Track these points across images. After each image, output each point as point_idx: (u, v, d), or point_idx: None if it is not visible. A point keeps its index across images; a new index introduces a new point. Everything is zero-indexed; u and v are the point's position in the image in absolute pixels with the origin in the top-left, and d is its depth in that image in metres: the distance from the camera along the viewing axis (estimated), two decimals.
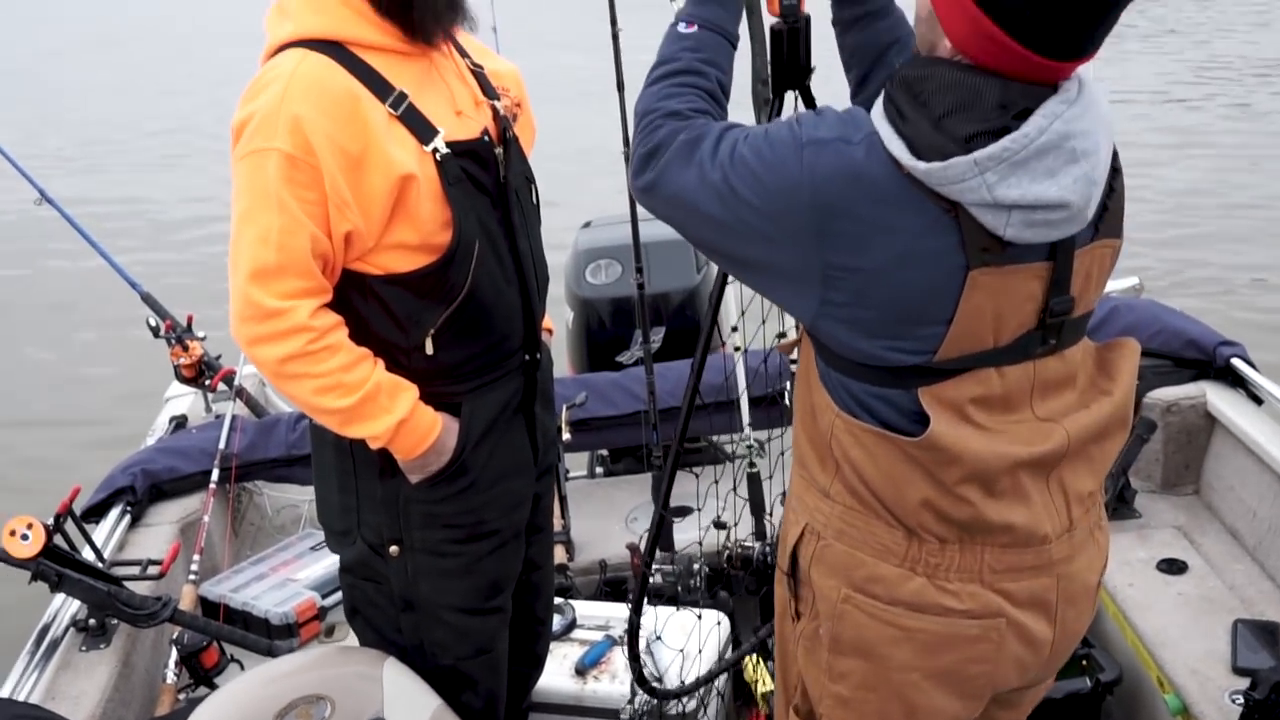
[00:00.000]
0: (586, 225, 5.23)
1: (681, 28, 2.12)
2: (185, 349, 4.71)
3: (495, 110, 2.52)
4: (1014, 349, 1.88)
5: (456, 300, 2.38)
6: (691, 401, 2.58)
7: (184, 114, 15.32)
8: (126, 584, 3.41)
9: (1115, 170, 1.91)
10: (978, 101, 1.74)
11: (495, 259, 2.44)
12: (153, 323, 4.77)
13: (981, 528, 1.95)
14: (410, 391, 2.38)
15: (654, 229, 3.51)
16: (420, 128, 2.31)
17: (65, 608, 3.48)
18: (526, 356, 2.59)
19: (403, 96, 2.29)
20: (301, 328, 2.22)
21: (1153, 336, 4.32)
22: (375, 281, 2.34)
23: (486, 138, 2.45)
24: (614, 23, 3.58)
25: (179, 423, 4.85)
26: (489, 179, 2.44)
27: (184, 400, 5.04)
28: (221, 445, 4.29)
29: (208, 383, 4.79)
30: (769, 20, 2.35)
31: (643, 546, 3.48)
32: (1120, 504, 4.05)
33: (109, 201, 11.57)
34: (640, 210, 2.95)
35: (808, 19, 2.33)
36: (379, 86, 2.27)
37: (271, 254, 2.20)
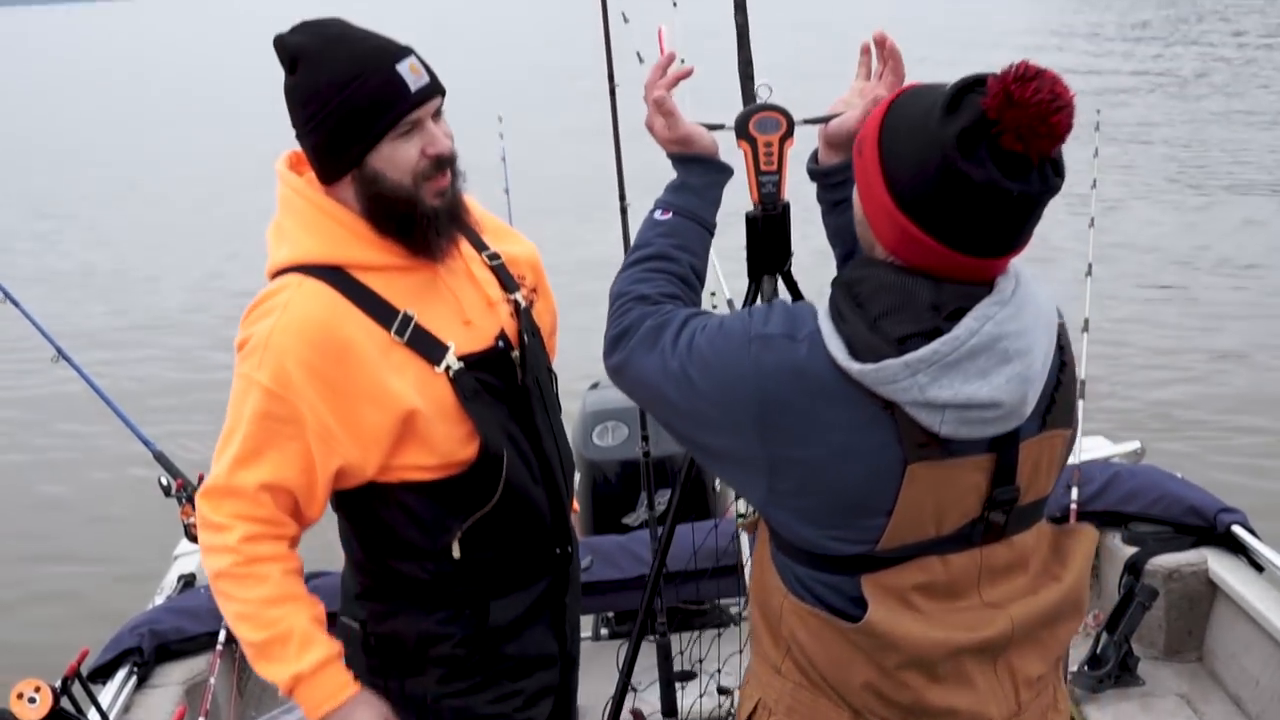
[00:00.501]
0: (594, 386, 5.27)
1: (658, 214, 2.23)
2: (195, 508, 4.73)
3: (516, 305, 2.50)
4: (957, 537, 1.91)
5: (484, 509, 2.38)
6: (659, 570, 2.74)
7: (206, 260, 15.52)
8: None
9: (1063, 363, 1.94)
10: (911, 303, 1.80)
11: (522, 463, 2.43)
12: (164, 481, 4.80)
13: (925, 711, 1.97)
14: (322, 649, 2.29)
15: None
16: (429, 348, 2.31)
17: None
18: (558, 550, 2.57)
19: (408, 320, 2.29)
20: (229, 549, 2.26)
21: (1154, 503, 4.36)
22: (397, 489, 2.35)
23: (501, 343, 2.43)
24: (622, 198, 3.66)
25: (187, 581, 4.87)
26: (507, 385, 2.44)
27: (192, 559, 5.05)
28: None
29: None
30: (749, 207, 2.38)
31: (646, 710, 3.50)
32: (1123, 671, 4.04)
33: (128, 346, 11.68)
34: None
35: (787, 206, 2.36)
36: (381, 312, 2.28)
37: (224, 474, 2.26)
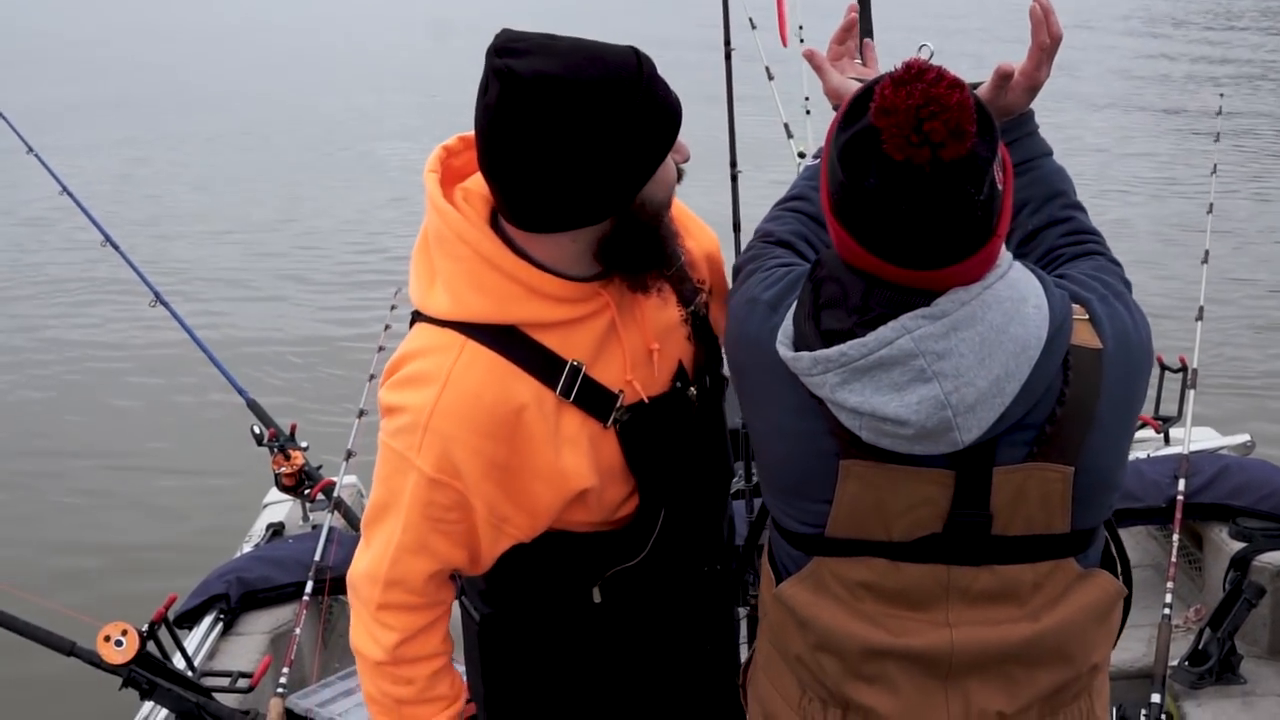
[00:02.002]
0: None
1: (808, 161, 2.27)
2: (287, 458, 4.77)
3: (693, 319, 2.20)
4: (914, 549, 1.83)
5: (631, 562, 2.19)
6: (752, 542, 2.56)
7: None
8: (216, 696, 3.41)
9: (1061, 395, 1.76)
10: (843, 300, 1.72)
11: (679, 512, 2.21)
12: (257, 430, 4.84)
13: (845, 703, 1.94)
14: None
15: None
16: (598, 402, 2.03)
17: (154, 715, 3.50)
18: (705, 568, 2.37)
19: (575, 372, 2.00)
20: (384, 649, 2.12)
21: (1264, 498, 4.24)
22: (542, 539, 2.13)
23: (679, 382, 2.16)
24: (733, 164, 3.60)
25: (275, 530, 4.91)
26: (680, 426, 2.18)
27: (281, 508, 5.09)
28: (317, 557, 4.29)
29: (307, 492, 4.83)
30: None
31: None
32: (1225, 669, 3.93)
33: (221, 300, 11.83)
34: None
35: None
36: (549, 370, 1.99)
37: (387, 565, 2.06)
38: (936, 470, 1.76)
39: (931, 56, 2.29)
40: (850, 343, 1.67)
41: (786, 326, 1.80)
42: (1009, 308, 1.68)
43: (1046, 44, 2.02)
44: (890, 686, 1.90)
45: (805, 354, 1.72)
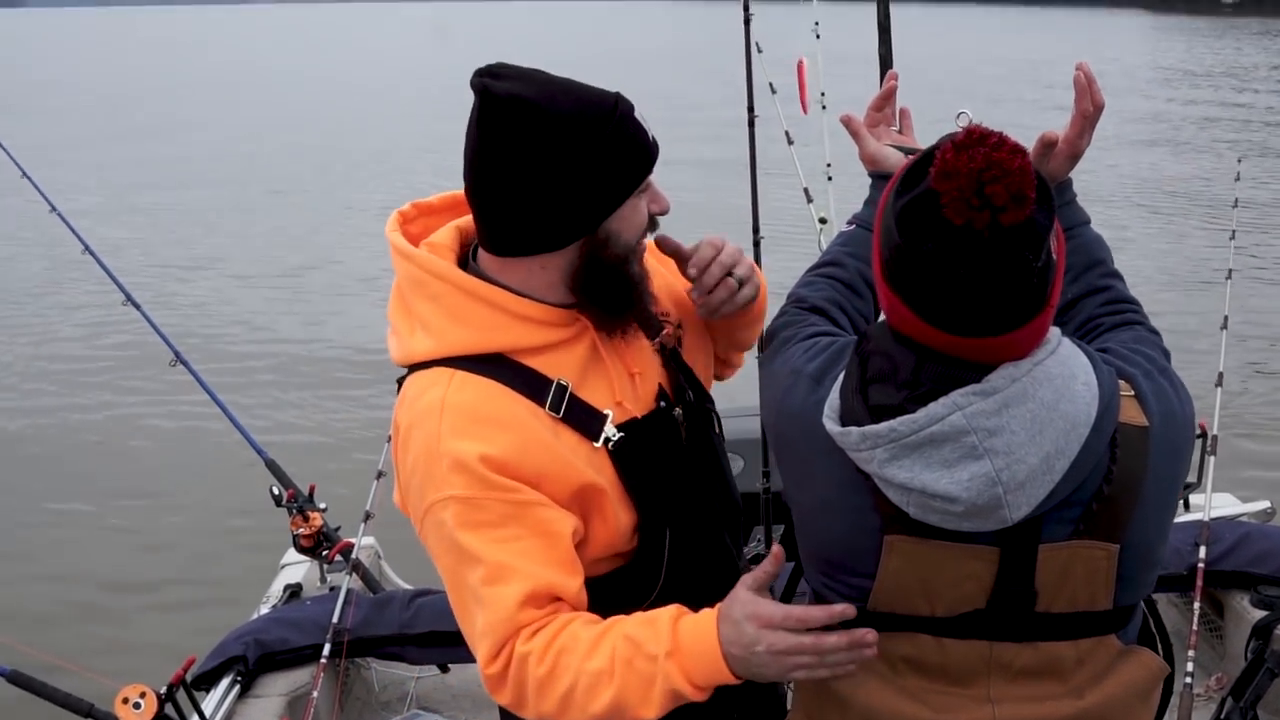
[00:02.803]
0: None
1: (844, 227, 2.28)
2: (305, 519, 4.76)
3: (662, 351, 2.25)
4: (957, 625, 1.83)
5: (646, 601, 2.10)
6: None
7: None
8: None
9: (1110, 471, 1.75)
10: (893, 375, 1.73)
11: (687, 541, 2.19)
12: (276, 491, 4.84)
13: None
14: (661, 627, 1.92)
15: None
16: (586, 420, 2.06)
17: None
18: None
19: (562, 390, 2.03)
20: (515, 684, 1.96)
21: None
22: None
23: (663, 402, 2.19)
24: (756, 230, 3.61)
25: (293, 591, 4.89)
26: (671, 446, 2.19)
27: (299, 569, 5.08)
28: (335, 619, 4.28)
29: (325, 553, 4.82)
30: None
31: None
32: None
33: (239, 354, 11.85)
34: None
35: None
36: (538, 388, 2.02)
37: (485, 615, 1.94)
38: (982, 547, 1.76)
39: (970, 123, 2.31)
40: (900, 419, 1.67)
41: (833, 400, 1.80)
42: (1060, 385, 1.68)
43: (1090, 112, 2.04)
44: None
45: (854, 429, 1.72)
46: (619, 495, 2.08)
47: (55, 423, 10.57)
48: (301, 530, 4.75)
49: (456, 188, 2.15)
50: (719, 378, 2.51)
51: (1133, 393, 1.80)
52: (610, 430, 2.07)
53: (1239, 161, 6.95)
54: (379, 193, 19.72)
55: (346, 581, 4.53)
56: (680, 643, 1.90)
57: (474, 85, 1.94)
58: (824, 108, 3.98)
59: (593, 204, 1.99)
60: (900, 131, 2.32)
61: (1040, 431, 1.66)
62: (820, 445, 1.82)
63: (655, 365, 2.22)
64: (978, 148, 1.55)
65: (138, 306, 5.39)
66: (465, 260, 2.12)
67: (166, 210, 19.35)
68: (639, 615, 1.96)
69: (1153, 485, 1.79)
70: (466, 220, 2.14)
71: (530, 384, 2.02)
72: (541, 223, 1.99)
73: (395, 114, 29.98)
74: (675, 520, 2.16)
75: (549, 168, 1.93)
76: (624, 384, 2.13)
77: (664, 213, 2.11)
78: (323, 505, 4.84)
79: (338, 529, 4.85)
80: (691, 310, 2.31)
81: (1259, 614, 4.11)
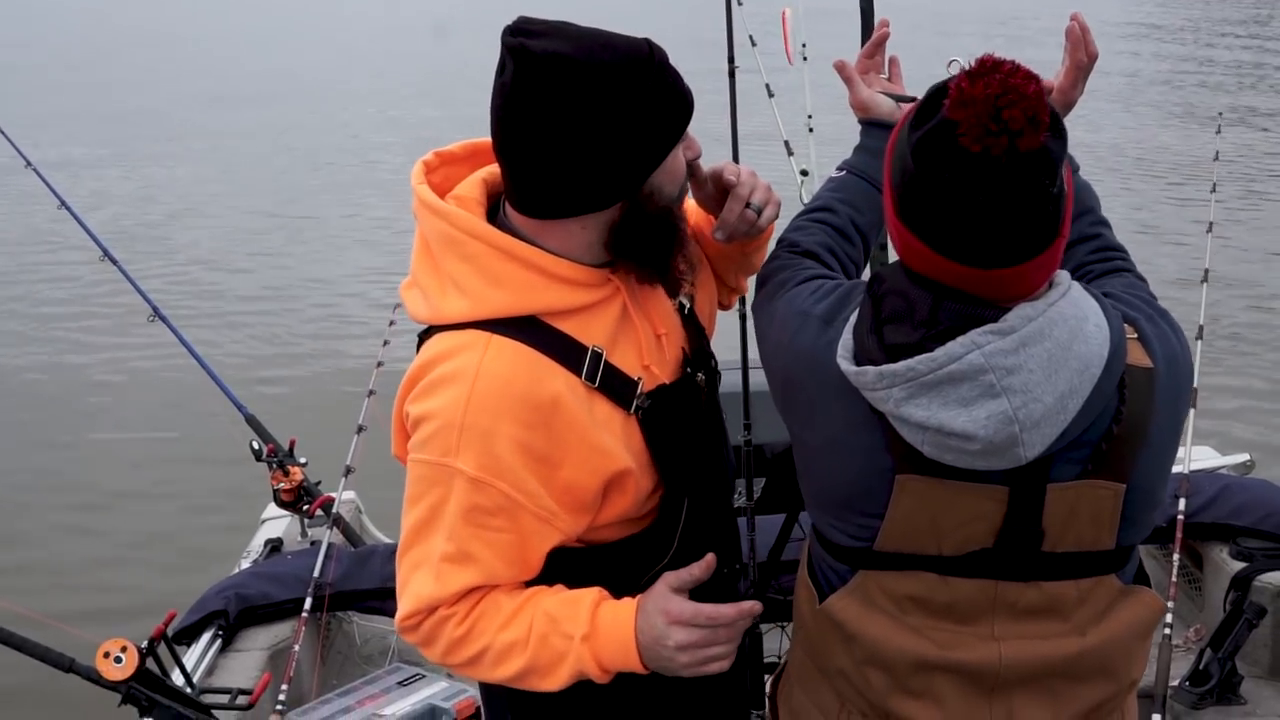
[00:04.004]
0: None
1: (833, 173, 2.28)
2: (286, 474, 4.76)
3: (681, 310, 2.20)
4: (963, 563, 1.84)
5: (658, 566, 2.08)
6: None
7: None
8: (215, 713, 3.40)
9: (1119, 411, 1.77)
10: (909, 314, 1.73)
11: (699, 506, 2.16)
12: (256, 445, 4.83)
13: (887, 716, 1.95)
14: (581, 609, 1.96)
15: (762, 378, 3.50)
16: (620, 388, 2.00)
17: None
18: (725, 569, 2.26)
19: (597, 358, 1.97)
20: (431, 636, 1.98)
21: (1264, 518, 4.24)
22: (574, 553, 2.06)
23: (687, 367, 2.15)
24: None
25: (274, 546, 4.90)
26: (694, 412, 2.16)
27: (280, 523, 5.08)
28: (316, 573, 4.27)
29: (305, 508, 4.82)
30: None
31: None
32: (1226, 690, 3.93)
33: (222, 312, 11.80)
34: (751, 357, 2.94)
35: None
36: (574, 356, 1.96)
37: (429, 592, 1.94)
38: (992, 486, 1.77)
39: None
40: (919, 357, 1.68)
41: (846, 340, 1.80)
42: (1073, 325, 1.70)
43: (1084, 63, 2.08)
44: (936, 700, 1.91)
45: (870, 369, 1.72)
46: (644, 465, 2.04)
47: (31, 379, 10.51)
48: (282, 485, 4.75)
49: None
50: (724, 307, 2.48)
51: (1136, 335, 1.81)
52: (641, 399, 2.02)
53: (1219, 116, 6.92)
54: (359, 143, 19.63)
55: (327, 536, 4.53)
56: (598, 628, 1.94)
57: (510, 45, 1.86)
58: (805, 59, 3.94)
59: (639, 160, 1.93)
60: (890, 79, 2.33)
61: (1056, 371, 1.68)
62: (831, 386, 1.82)
63: (677, 326, 2.17)
64: (992, 74, 1.57)
65: (115, 262, 5.37)
66: (492, 214, 2.04)
67: (145, 162, 19.20)
68: (562, 594, 1.99)
69: (1157, 426, 1.81)
70: (491, 171, 2.07)
71: (566, 351, 1.96)
72: (587, 184, 1.92)
73: (361, 60, 29.72)
74: (694, 488, 2.14)
75: (594, 127, 1.86)
76: (651, 347, 2.07)
77: (698, 158, 2.08)
78: (303, 460, 4.84)
79: (318, 484, 4.85)
80: (697, 262, 2.24)
81: (1238, 565, 4.15)
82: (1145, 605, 1.94)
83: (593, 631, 1.93)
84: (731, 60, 3.50)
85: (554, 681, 1.96)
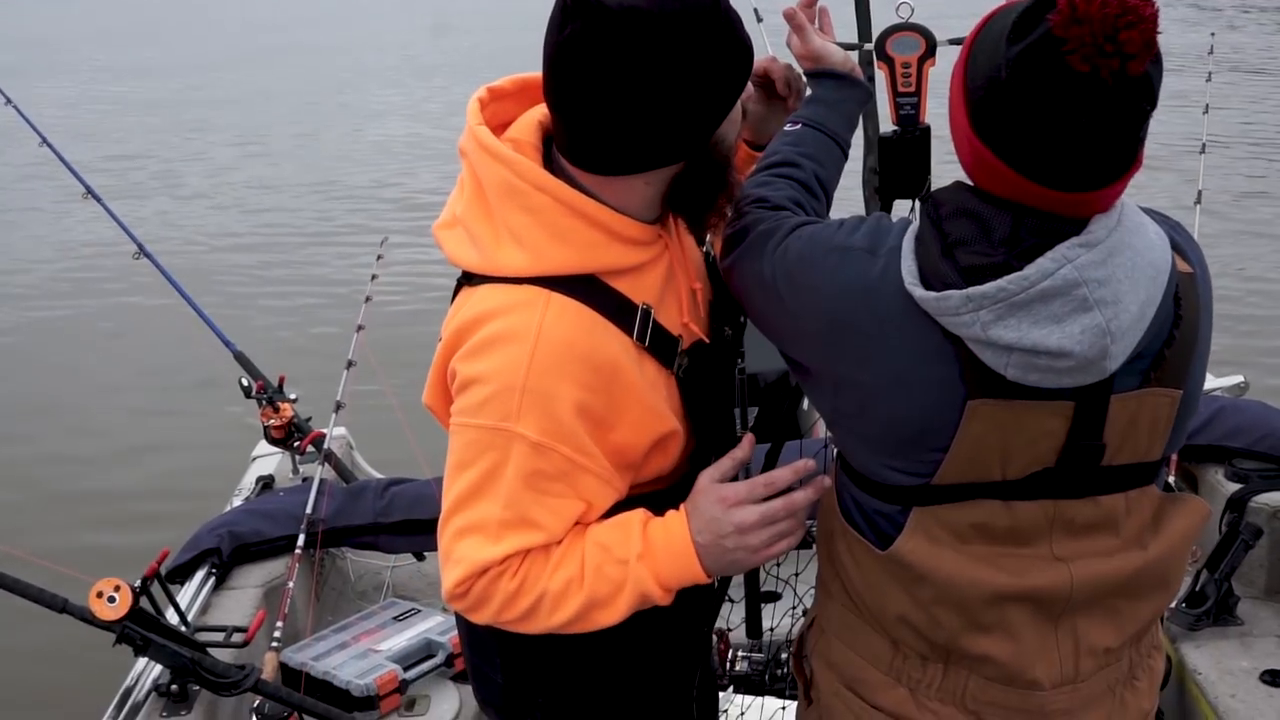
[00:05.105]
0: None
1: (787, 126, 2.18)
2: (276, 410, 4.72)
3: (707, 258, 2.16)
4: (1025, 486, 1.80)
5: None
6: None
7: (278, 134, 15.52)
8: (210, 650, 3.39)
9: (1178, 317, 1.76)
10: (986, 234, 1.68)
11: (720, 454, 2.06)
12: (245, 382, 4.80)
13: (960, 654, 1.89)
14: (632, 529, 1.90)
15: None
16: (664, 347, 1.95)
17: (148, 671, 3.48)
18: None
19: (646, 316, 1.91)
20: (483, 597, 1.88)
21: (1260, 439, 4.22)
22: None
23: (717, 323, 2.10)
24: None
25: (265, 483, 4.87)
26: (725, 370, 2.13)
27: (271, 460, 5.06)
28: (308, 510, 4.27)
29: (296, 444, 4.79)
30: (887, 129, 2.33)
31: (728, 630, 3.44)
32: (1222, 610, 3.92)
33: (200, 243, 11.73)
34: None
35: (927, 129, 2.32)
36: (626, 316, 1.89)
37: (483, 549, 1.85)
38: (1060, 403, 1.73)
39: (912, 14, 2.26)
40: (1009, 277, 1.63)
41: (910, 268, 1.72)
42: (1144, 234, 1.69)
43: None
44: (1008, 632, 1.87)
45: (953, 293, 1.66)
46: (683, 424, 2.00)
47: (15, 322, 10.47)
48: (272, 421, 4.72)
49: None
50: None
51: (1170, 243, 1.78)
52: (681, 357, 1.97)
53: (1212, 36, 6.86)
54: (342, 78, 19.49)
55: (319, 472, 4.51)
56: (652, 544, 1.88)
57: (583, 1, 1.75)
58: (759, 20, 3.81)
59: (711, 111, 1.86)
60: (821, 29, 2.26)
61: (1137, 280, 1.66)
62: (892, 318, 1.75)
63: (705, 277, 2.11)
64: None
65: (98, 199, 5.32)
66: (545, 160, 1.94)
67: (130, 100, 19.07)
68: (607, 522, 1.92)
69: (1204, 331, 1.82)
70: (545, 113, 1.96)
71: (621, 311, 1.89)
72: (660, 139, 1.84)
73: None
74: (721, 446, 2.07)
75: (669, 81, 1.78)
76: (689, 303, 2.02)
77: (750, 99, 2.04)
78: (293, 396, 4.81)
79: (309, 419, 4.82)
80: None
81: (1233, 487, 4.13)
82: (1196, 511, 1.93)
83: (647, 549, 1.87)
84: None
85: (615, 612, 1.88)
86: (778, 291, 1.89)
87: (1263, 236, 11.26)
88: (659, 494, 2.01)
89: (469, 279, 1.93)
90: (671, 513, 1.91)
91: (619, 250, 1.89)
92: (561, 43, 1.78)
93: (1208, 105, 5.41)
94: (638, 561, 1.86)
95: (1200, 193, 4.78)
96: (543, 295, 1.83)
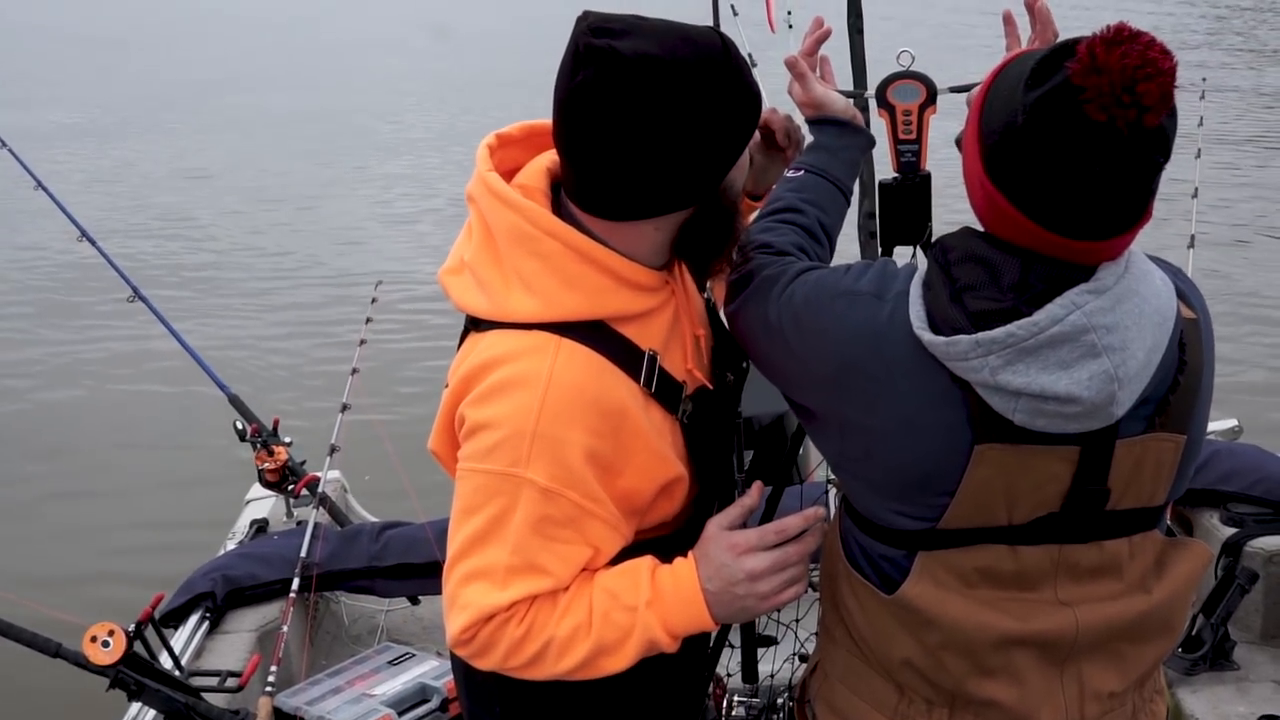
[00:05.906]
0: None
1: (789, 173, 2.21)
2: (270, 454, 4.73)
3: (708, 305, 2.16)
4: (1030, 530, 1.80)
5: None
6: None
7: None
8: (204, 695, 3.38)
9: (1182, 363, 1.77)
10: (994, 280, 1.69)
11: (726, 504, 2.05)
12: (240, 426, 4.81)
13: (966, 699, 1.89)
14: (641, 577, 1.88)
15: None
16: (669, 393, 1.95)
17: (142, 717, 3.46)
18: None
19: (653, 362, 1.91)
20: (489, 643, 1.86)
21: (1254, 484, 4.24)
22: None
23: (719, 369, 2.10)
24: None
25: (260, 526, 4.87)
26: (727, 415, 2.12)
27: (265, 504, 5.05)
28: (303, 553, 4.25)
29: (291, 488, 4.80)
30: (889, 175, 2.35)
31: (725, 676, 3.42)
32: (1219, 655, 3.93)
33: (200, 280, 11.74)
34: None
35: (927, 176, 2.33)
36: (634, 362, 1.90)
37: (489, 596, 1.83)
38: (1066, 448, 1.74)
39: (913, 62, 2.29)
40: (1018, 322, 1.64)
41: (919, 312, 1.73)
42: (1150, 281, 1.70)
43: (1051, 41, 2.06)
44: (1014, 676, 1.87)
45: (962, 338, 1.66)
46: (687, 469, 1.99)
47: (10, 361, 10.45)
48: (267, 465, 4.73)
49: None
50: None
51: (1174, 289, 1.80)
52: (685, 403, 1.97)
53: (1203, 81, 6.91)
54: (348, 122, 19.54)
55: (313, 515, 4.50)
56: (660, 591, 1.87)
57: (596, 48, 1.76)
58: (790, 26, 3.87)
59: (721, 158, 1.87)
60: (822, 78, 2.29)
61: (1144, 327, 1.67)
62: (900, 362, 1.75)
63: (706, 323, 2.12)
64: (1131, 44, 1.52)
65: (93, 242, 5.34)
66: (555, 206, 1.95)
67: (129, 137, 19.12)
68: (615, 569, 1.91)
69: (1207, 377, 1.83)
70: (553, 159, 1.97)
71: (628, 357, 1.89)
72: (671, 185, 1.85)
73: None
74: (725, 491, 2.09)
75: (681, 128, 1.79)
76: (694, 349, 2.02)
77: (756, 146, 2.07)
78: (288, 439, 4.82)
79: (303, 463, 4.82)
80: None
81: (1229, 531, 4.15)
82: (1198, 556, 1.94)
83: (656, 596, 1.86)
84: (717, 29, 3.47)
85: (622, 659, 1.87)
86: (784, 336, 1.89)
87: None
88: (664, 539, 2.00)
89: (476, 324, 1.94)
90: (680, 560, 1.90)
91: (627, 296, 1.89)
92: (574, 89, 1.79)
93: (1200, 150, 5.44)
94: (646, 608, 1.85)
95: (1193, 236, 4.81)
96: (553, 341, 1.83)
